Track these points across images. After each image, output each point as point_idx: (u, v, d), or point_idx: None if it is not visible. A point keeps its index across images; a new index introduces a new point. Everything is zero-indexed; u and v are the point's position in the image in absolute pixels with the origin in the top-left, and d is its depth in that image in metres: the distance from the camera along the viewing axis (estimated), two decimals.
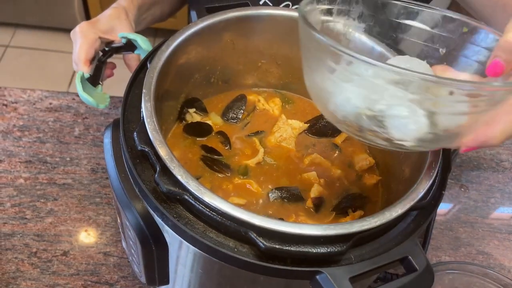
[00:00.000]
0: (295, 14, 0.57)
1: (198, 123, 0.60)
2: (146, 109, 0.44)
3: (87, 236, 0.68)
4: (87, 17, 2.22)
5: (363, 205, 0.55)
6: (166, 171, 0.41)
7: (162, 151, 0.41)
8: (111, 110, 0.83)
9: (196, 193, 0.39)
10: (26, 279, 0.64)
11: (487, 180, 0.84)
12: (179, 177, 0.40)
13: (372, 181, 0.58)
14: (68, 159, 0.76)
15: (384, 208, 0.53)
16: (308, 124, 0.63)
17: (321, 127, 0.62)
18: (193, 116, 0.61)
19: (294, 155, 0.60)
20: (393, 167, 0.56)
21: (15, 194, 0.71)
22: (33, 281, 0.64)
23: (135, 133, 0.44)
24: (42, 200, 0.71)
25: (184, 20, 2.22)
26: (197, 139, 0.59)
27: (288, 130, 0.61)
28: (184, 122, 0.60)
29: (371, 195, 0.57)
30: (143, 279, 0.52)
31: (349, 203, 0.54)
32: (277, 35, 0.60)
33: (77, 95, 0.83)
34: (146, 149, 0.42)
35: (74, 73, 2.20)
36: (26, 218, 0.69)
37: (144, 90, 0.46)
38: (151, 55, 0.51)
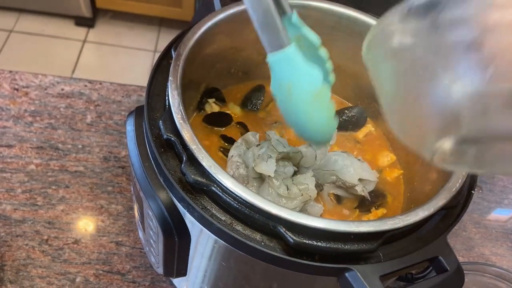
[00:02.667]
0: (320, 4, 0.56)
1: (218, 113, 0.59)
2: (173, 97, 0.43)
3: (99, 225, 0.67)
4: (92, 4, 2.20)
5: (385, 203, 0.55)
6: (193, 161, 0.40)
7: (190, 141, 0.40)
8: (123, 98, 0.81)
9: (225, 185, 0.38)
10: (37, 267, 0.63)
11: (501, 181, 0.83)
12: (207, 168, 0.39)
13: (393, 174, 0.57)
14: (80, 146, 0.75)
15: (407, 206, 0.52)
16: None
17: (342, 121, 0.61)
18: (212, 106, 0.59)
19: None
20: (416, 164, 0.55)
21: (26, 180, 0.70)
22: (44, 268, 0.63)
23: (160, 121, 0.43)
24: (53, 187, 0.70)
25: (190, 10, 2.20)
26: (217, 129, 0.58)
27: None
28: (203, 112, 0.59)
29: (393, 192, 0.56)
30: (160, 270, 0.51)
31: (372, 200, 0.53)
32: None
33: (89, 82, 0.82)
34: (173, 138, 0.41)
35: (78, 60, 2.18)
36: (37, 205, 0.68)
37: (170, 78, 0.45)
38: (175, 42, 0.50)
